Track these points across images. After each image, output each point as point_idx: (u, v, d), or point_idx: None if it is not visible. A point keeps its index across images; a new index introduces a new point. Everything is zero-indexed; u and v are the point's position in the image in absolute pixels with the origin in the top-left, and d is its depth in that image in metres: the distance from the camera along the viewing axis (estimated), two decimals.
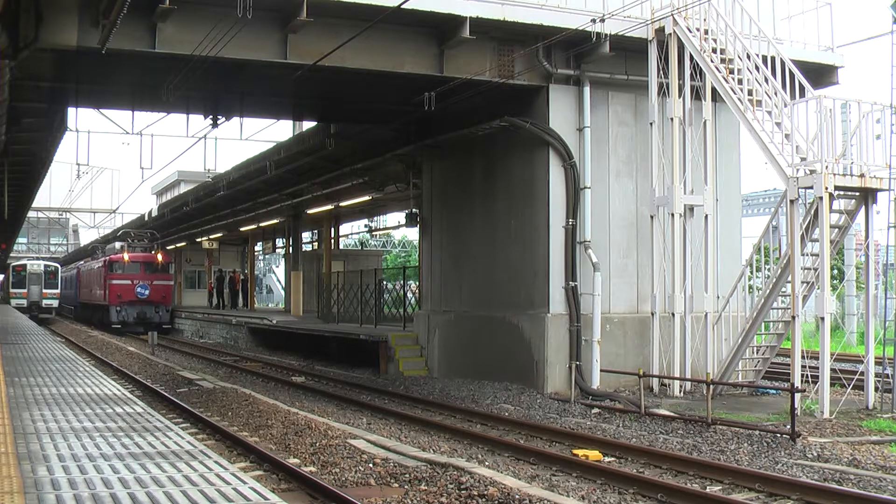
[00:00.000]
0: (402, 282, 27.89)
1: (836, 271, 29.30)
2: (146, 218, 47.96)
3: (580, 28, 15.04)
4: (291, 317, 34.98)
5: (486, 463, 10.82)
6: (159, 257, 42.90)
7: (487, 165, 18.96)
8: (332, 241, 40.94)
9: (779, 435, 11.68)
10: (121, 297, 40.43)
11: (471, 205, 19.59)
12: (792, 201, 13.59)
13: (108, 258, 42.65)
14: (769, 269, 16.06)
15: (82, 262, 54.75)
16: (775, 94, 14.50)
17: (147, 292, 40.79)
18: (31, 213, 50.37)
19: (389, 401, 17.43)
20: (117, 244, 44.43)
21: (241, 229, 45.23)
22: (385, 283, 29.21)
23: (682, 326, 15.61)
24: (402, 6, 12.78)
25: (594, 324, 16.18)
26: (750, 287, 17.03)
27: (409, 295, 27.78)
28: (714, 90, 15.49)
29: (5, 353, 18.13)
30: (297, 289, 38.12)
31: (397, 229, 52.92)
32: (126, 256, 41.26)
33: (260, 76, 17.06)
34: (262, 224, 42.21)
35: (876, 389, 14.05)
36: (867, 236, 14.50)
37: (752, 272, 16.81)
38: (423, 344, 21.36)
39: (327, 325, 28.30)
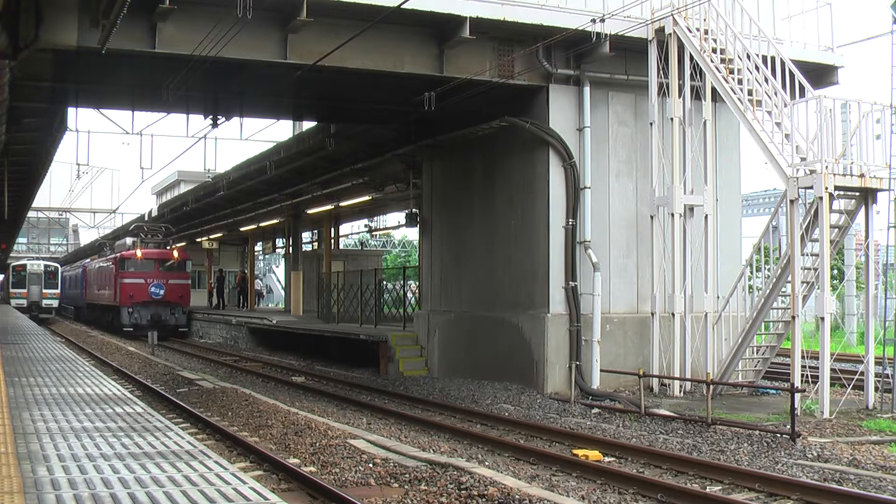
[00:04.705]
0: (402, 282, 27.90)
1: (836, 271, 29.29)
2: (146, 218, 47.77)
3: (580, 28, 15.03)
4: (291, 317, 34.98)
5: (486, 463, 10.82)
6: (175, 254, 39.59)
7: (487, 165, 18.96)
8: (332, 241, 40.90)
9: (779, 435, 11.68)
10: (133, 297, 37.41)
11: (471, 205, 19.59)
12: (792, 201, 13.59)
13: (118, 255, 39.45)
14: (769, 269, 16.06)
15: (89, 260, 51.85)
16: (775, 94, 14.50)
17: (162, 292, 37.79)
18: (31, 213, 50.32)
19: (389, 401, 17.43)
20: (128, 240, 40.73)
21: (241, 229, 45.12)
22: (385, 283, 29.22)
23: (682, 326, 15.61)
24: (402, 6, 12.78)
25: (594, 324, 16.18)
26: (750, 287, 17.02)
27: (409, 295, 27.78)
28: (714, 90, 15.49)
29: (5, 353, 18.12)
30: (297, 289, 38.11)
31: (397, 229, 52.96)
32: (139, 253, 38.02)
33: (260, 76, 17.06)
34: (262, 224, 42.07)
35: (876, 389, 14.05)
36: (867, 236, 14.50)
37: (752, 272, 16.81)
38: (423, 344, 21.36)
39: (327, 325, 28.29)
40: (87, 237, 71.23)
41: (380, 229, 51.96)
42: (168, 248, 41.03)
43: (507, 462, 11.18)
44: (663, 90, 16.10)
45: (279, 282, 63.58)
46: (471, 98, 16.47)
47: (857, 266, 26.21)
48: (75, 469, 6.61)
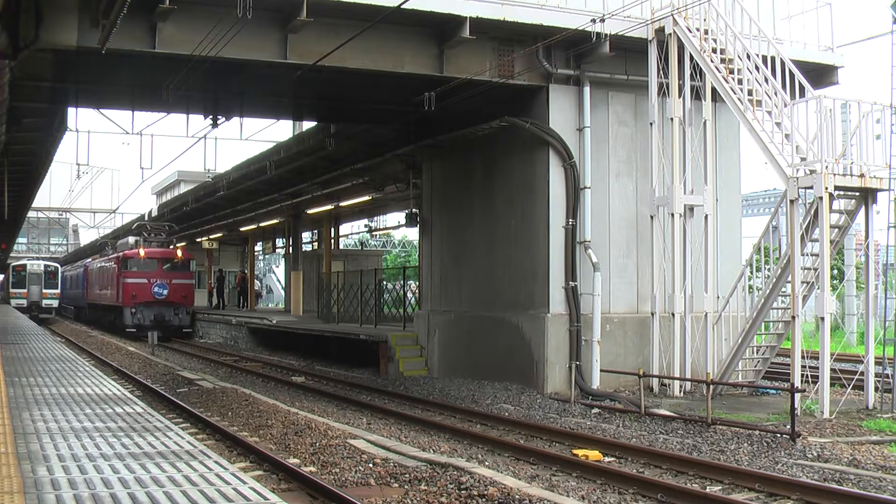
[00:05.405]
0: (402, 282, 27.90)
1: (836, 271, 29.29)
2: (146, 218, 47.71)
3: (580, 28, 15.03)
4: (291, 317, 34.98)
5: (486, 463, 10.82)
6: (179, 253, 39.06)
7: (487, 165, 18.96)
8: (332, 241, 40.90)
9: (779, 435, 11.68)
10: (136, 297, 36.74)
11: (471, 205, 19.59)
12: (792, 201, 13.59)
13: (121, 254, 38.81)
14: (769, 269, 16.06)
15: (90, 260, 51.43)
16: (775, 94, 14.50)
17: (165, 292, 37.12)
18: (31, 213, 50.30)
19: (389, 401, 17.43)
20: (131, 239, 40.17)
21: (241, 229, 45.12)
22: (385, 283, 29.22)
23: (682, 326, 15.61)
24: (402, 6, 12.78)
25: (594, 324, 16.18)
26: (750, 287, 17.03)
27: (409, 295, 27.79)
28: (714, 90, 15.49)
29: (5, 353, 18.12)
30: (297, 289, 38.11)
31: (397, 229, 52.97)
32: (142, 252, 37.41)
33: (260, 76, 17.05)
34: (262, 224, 42.06)
35: (876, 389, 14.05)
36: (867, 236, 14.50)
37: (752, 272, 16.81)
38: (423, 344, 21.36)
39: (327, 325, 28.29)
40: (87, 237, 71.30)
41: (380, 229, 51.97)
42: (171, 247, 40.54)
43: (507, 462, 11.18)
44: (663, 90, 16.10)
45: (279, 282, 63.58)
46: (471, 98, 16.47)
47: (857, 266, 26.20)
48: (75, 469, 6.61)
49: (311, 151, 26.10)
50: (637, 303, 17.15)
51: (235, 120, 22.44)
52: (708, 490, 9.52)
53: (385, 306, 28.12)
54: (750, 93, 14.66)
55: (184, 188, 51.74)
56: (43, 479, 6.25)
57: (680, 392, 15.50)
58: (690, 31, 15.41)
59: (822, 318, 13.38)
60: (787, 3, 17.50)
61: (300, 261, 39.07)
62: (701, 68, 15.42)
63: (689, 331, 15.60)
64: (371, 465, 10.18)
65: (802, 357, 13.49)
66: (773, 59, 14.94)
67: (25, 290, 53.60)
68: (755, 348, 15.68)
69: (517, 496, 8.54)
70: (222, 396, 17.00)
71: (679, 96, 15.83)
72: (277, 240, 51.13)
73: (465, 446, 12.32)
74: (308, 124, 26.15)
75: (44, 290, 54.08)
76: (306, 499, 8.96)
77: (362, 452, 10.81)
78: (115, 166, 73.04)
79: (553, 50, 16.51)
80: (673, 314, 15.65)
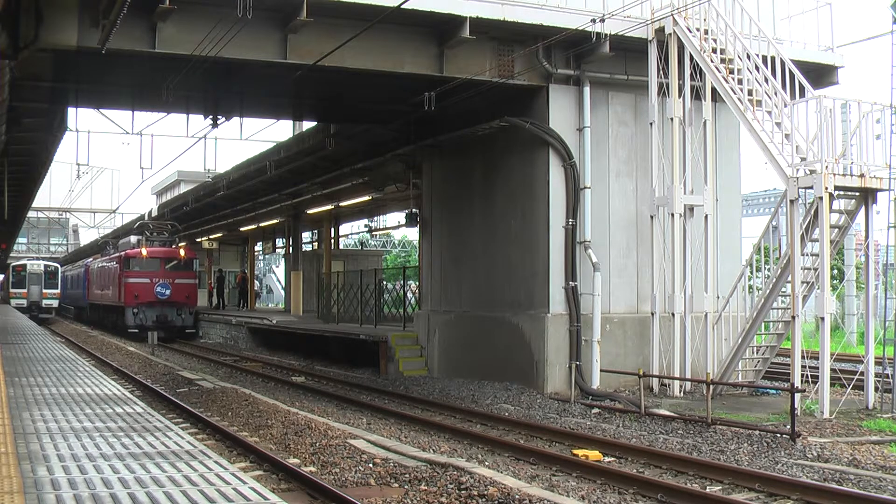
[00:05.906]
0: (402, 282, 27.90)
1: (836, 271, 29.29)
2: (146, 218, 47.63)
3: (580, 28, 15.04)
4: (291, 317, 34.97)
5: (486, 463, 10.82)
6: (182, 252, 38.43)
7: (487, 165, 18.96)
8: (332, 241, 40.89)
9: (779, 435, 11.68)
10: (138, 297, 36.21)
11: (471, 205, 19.59)
12: (792, 201, 13.59)
13: (123, 253, 38.28)
14: (769, 269, 16.06)
15: (91, 259, 50.97)
16: (775, 94, 14.50)
17: (168, 292, 36.60)
18: (31, 213, 50.27)
19: (389, 401, 17.43)
20: (133, 238, 39.76)
21: (241, 229, 45.09)
22: (385, 283, 29.22)
23: (682, 326, 15.61)
24: (402, 6, 12.78)
25: (594, 324, 16.18)
26: (750, 287, 17.03)
27: (409, 295, 27.79)
28: (714, 90, 15.50)
29: (5, 353, 18.12)
30: (297, 289, 38.10)
31: (397, 229, 52.94)
32: (144, 251, 36.95)
33: (260, 76, 17.06)
34: (262, 224, 42.02)
35: (876, 389, 14.06)
36: (867, 236, 14.50)
37: (752, 272, 16.81)
38: (423, 344, 21.36)
39: (327, 325, 28.28)
40: (87, 237, 71.33)
41: (380, 229, 51.95)
42: (174, 246, 40.31)
43: (507, 462, 11.18)
44: (663, 90, 16.10)
45: (279, 282, 63.56)
46: (471, 98, 16.47)
47: (857, 266, 26.21)
48: (75, 469, 6.61)
49: (311, 151, 26.10)
50: (637, 303, 17.15)
51: (235, 120, 22.46)
52: (708, 490, 9.52)
53: (385, 306, 28.13)
54: (750, 93, 14.67)
55: (184, 188, 51.74)
56: (43, 479, 6.25)
57: (680, 392, 15.50)
58: (690, 31, 15.41)
59: (822, 318, 13.38)
60: (787, 3, 17.51)
61: (300, 261, 39.05)
62: (701, 68, 15.42)
63: (689, 331, 15.60)
64: (371, 465, 10.18)
65: (802, 357, 13.50)
66: (773, 59, 14.94)
67: (25, 290, 53.60)
68: (755, 348, 15.68)
69: (517, 496, 8.54)
70: (222, 396, 17.00)
71: (679, 96, 15.84)
72: (277, 240, 51.12)
73: (465, 446, 12.32)
74: (308, 124, 26.17)
75: (44, 290, 54.06)
76: (306, 499, 8.97)
77: (362, 452, 10.81)
78: (115, 166, 73.15)
79: (553, 50, 16.51)
80: (673, 314, 15.66)
